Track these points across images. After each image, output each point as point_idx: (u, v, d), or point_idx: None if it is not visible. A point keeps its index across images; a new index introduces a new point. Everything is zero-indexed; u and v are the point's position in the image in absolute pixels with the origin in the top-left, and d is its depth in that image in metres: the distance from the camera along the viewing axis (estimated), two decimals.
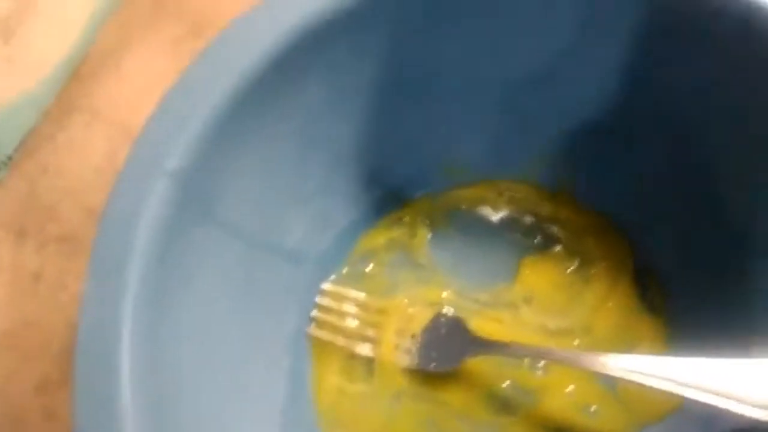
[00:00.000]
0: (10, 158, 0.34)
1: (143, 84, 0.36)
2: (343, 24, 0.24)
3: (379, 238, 0.32)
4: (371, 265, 0.32)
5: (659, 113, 0.29)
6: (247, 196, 0.26)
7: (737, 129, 0.27)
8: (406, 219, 0.32)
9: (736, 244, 0.28)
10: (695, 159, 0.29)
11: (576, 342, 0.31)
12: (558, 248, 0.32)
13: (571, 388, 0.29)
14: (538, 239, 0.32)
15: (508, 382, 0.30)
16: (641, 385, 0.25)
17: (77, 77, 0.36)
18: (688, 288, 0.30)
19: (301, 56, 0.24)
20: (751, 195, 0.28)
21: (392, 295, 0.31)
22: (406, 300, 0.31)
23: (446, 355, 0.29)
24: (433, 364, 0.29)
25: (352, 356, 0.30)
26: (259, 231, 0.27)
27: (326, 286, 0.31)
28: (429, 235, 0.32)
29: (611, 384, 0.29)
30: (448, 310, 0.30)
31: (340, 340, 0.30)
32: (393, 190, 0.32)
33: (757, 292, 0.28)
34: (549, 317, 0.31)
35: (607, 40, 0.27)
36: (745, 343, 0.27)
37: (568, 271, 0.31)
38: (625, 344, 0.30)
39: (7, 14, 0.32)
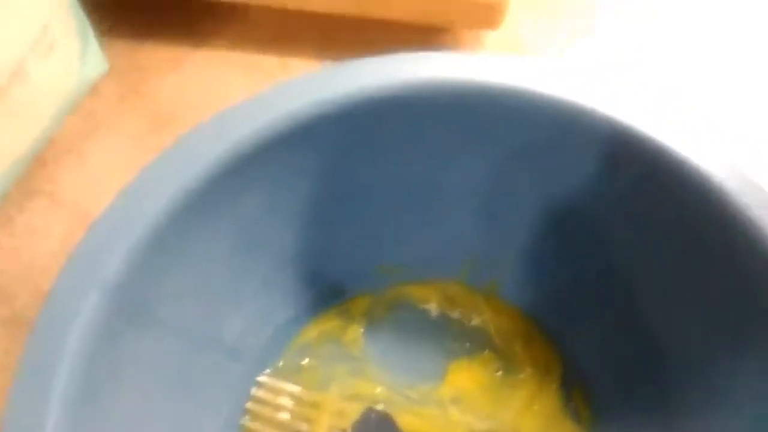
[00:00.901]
0: None
1: (104, 174, 0.38)
2: (282, 145, 0.26)
3: (315, 331, 0.34)
4: (307, 359, 0.33)
5: (584, 231, 0.31)
6: (186, 298, 0.27)
7: (655, 249, 0.29)
8: (343, 314, 0.34)
9: (657, 360, 0.30)
10: (618, 274, 0.31)
11: None
12: (487, 352, 0.33)
13: None
14: (469, 341, 0.34)
15: None
16: None
17: (40, 162, 0.38)
18: (612, 400, 0.32)
19: (241, 172, 0.26)
20: (669, 314, 0.30)
21: (326, 389, 0.32)
22: (338, 394, 0.32)
23: None
24: None
25: None
26: (196, 329, 0.28)
27: (262, 378, 0.32)
28: (363, 330, 0.34)
29: None
30: (378, 406, 0.31)
31: None
32: (331, 288, 0.33)
33: (677, 407, 0.30)
34: (476, 418, 0.32)
35: (534, 168, 0.30)
36: None
37: (497, 374, 0.33)
38: None
39: None
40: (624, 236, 0.30)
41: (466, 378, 0.33)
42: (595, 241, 0.31)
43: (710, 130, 0.26)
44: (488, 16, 0.39)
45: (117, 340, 0.24)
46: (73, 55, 0.38)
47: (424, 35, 0.42)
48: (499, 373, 0.33)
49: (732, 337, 0.28)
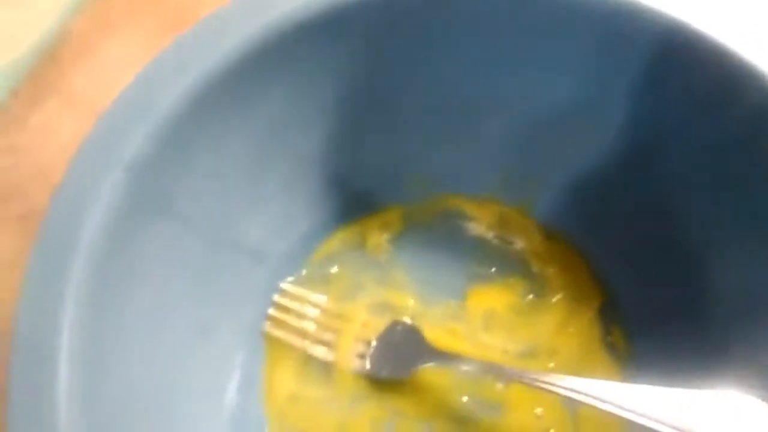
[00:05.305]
0: None
1: (117, 73, 0.36)
2: (315, 31, 0.25)
3: (340, 240, 0.33)
4: (335, 267, 0.33)
5: (637, 158, 0.30)
6: (206, 193, 0.27)
7: (708, 183, 0.28)
8: (370, 223, 0.33)
9: (701, 297, 0.29)
10: (669, 208, 0.30)
11: (551, 365, 0.31)
12: (514, 276, 0.33)
13: (530, 408, 0.30)
14: (499, 262, 0.33)
15: (466, 398, 0.30)
16: (595, 409, 0.25)
17: (53, 60, 0.37)
18: (651, 338, 0.31)
19: (268, 60, 0.25)
20: (718, 245, 0.29)
21: (352, 299, 0.32)
22: (365, 305, 0.32)
23: (400, 363, 0.30)
24: (386, 372, 0.29)
25: (307, 358, 0.31)
26: (217, 228, 0.28)
27: (286, 286, 0.31)
28: (391, 238, 0.33)
29: (572, 408, 0.30)
30: (405, 319, 0.30)
31: (297, 341, 0.30)
32: (359, 197, 0.33)
33: (717, 346, 0.29)
34: (509, 340, 0.31)
35: (596, 89, 0.28)
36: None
37: (527, 297, 0.32)
38: (587, 371, 0.31)
39: None
40: (677, 161, 0.29)
41: (493, 300, 0.32)
42: (644, 167, 0.30)
43: None
44: None
45: (136, 229, 0.24)
46: None
47: None
48: (530, 296, 0.32)
49: None
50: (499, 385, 0.30)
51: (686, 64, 0.25)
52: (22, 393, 0.21)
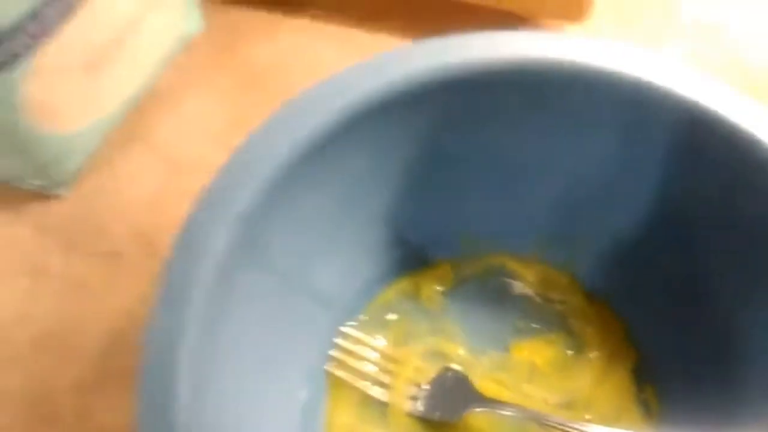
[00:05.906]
0: (72, 177, 0.37)
1: (195, 125, 0.40)
2: (394, 108, 0.29)
3: (396, 291, 0.36)
4: (390, 315, 0.36)
5: (670, 224, 0.33)
6: (293, 244, 0.30)
7: (739, 251, 0.31)
8: (424, 277, 0.36)
9: (734, 361, 0.32)
10: (702, 275, 0.33)
11: (588, 416, 0.34)
12: (555, 332, 0.36)
13: None
14: (541, 318, 0.36)
15: None
16: None
17: (139, 110, 0.40)
18: (682, 399, 0.33)
19: (351, 131, 0.29)
20: (751, 317, 0.31)
21: (407, 345, 0.35)
22: (418, 350, 0.35)
23: (450, 406, 0.32)
24: (437, 414, 0.32)
25: (366, 398, 0.33)
26: (296, 275, 0.32)
27: (348, 329, 0.33)
28: (443, 290, 0.36)
29: None
30: (455, 366, 0.33)
31: (356, 381, 0.32)
32: (416, 251, 0.36)
33: (748, 412, 0.31)
34: (548, 391, 0.34)
35: (631, 163, 0.32)
36: None
37: (566, 352, 0.35)
38: (621, 424, 0.33)
39: (100, 51, 0.35)
40: (714, 236, 0.32)
41: (535, 353, 0.35)
42: (679, 237, 0.33)
43: None
44: (576, 6, 0.40)
45: (238, 273, 0.27)
46: (177, 10, 0.40)
47: (505, 24, 0.43)
48: (569, 352, 0.35)
49: None
50: None
51: (709, 145, 0.29)
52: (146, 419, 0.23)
